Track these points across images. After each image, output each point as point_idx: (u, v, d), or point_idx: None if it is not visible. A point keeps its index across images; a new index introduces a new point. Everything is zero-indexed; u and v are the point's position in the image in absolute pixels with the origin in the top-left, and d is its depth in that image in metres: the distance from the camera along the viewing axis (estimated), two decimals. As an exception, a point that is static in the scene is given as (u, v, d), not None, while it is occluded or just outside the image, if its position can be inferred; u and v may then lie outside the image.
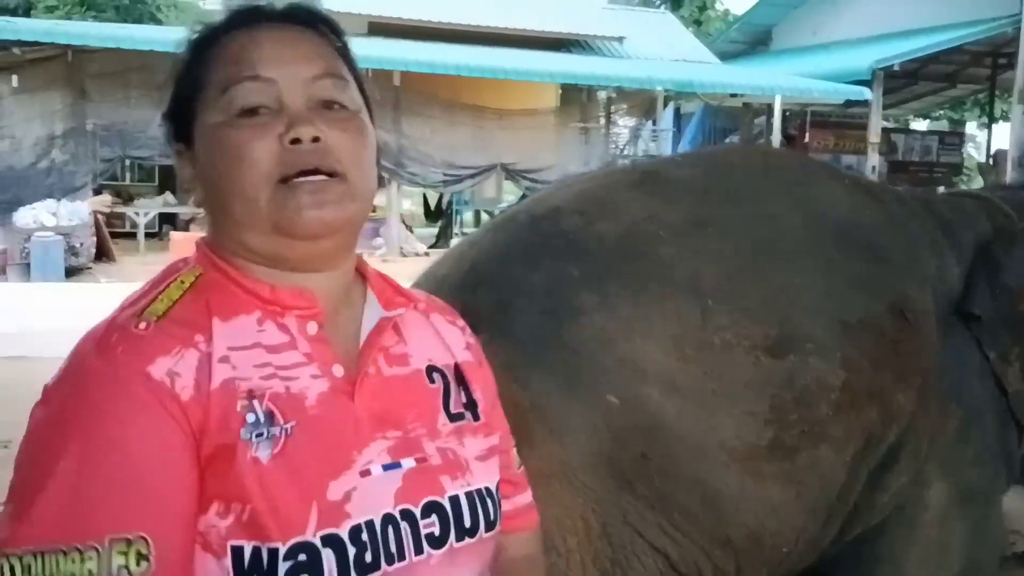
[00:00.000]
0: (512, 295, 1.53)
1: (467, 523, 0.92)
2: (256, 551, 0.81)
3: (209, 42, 0.94)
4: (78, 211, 11.59)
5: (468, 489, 0.93)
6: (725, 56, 19.67)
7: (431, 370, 0.99)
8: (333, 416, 0.88)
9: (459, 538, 0.91)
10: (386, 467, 0.89)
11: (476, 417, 1.00)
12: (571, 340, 1.49)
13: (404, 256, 12.70)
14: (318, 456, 0.85)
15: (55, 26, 13.20)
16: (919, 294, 1.73)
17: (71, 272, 11.12)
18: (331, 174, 0.89)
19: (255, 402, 0.85)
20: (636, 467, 1.49)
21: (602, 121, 15.94)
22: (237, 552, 0.81)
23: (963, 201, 2.06)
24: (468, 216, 16.61)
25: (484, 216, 19.89)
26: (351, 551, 0.83)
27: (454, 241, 13.74)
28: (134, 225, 13.34)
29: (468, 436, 0.97)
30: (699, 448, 1.49)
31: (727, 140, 19.57)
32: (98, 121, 12.20)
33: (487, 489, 0.95)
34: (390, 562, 0.85)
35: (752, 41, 21.22)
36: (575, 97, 15.15)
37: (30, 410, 0.85)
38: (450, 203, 15.46)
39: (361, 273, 1.01)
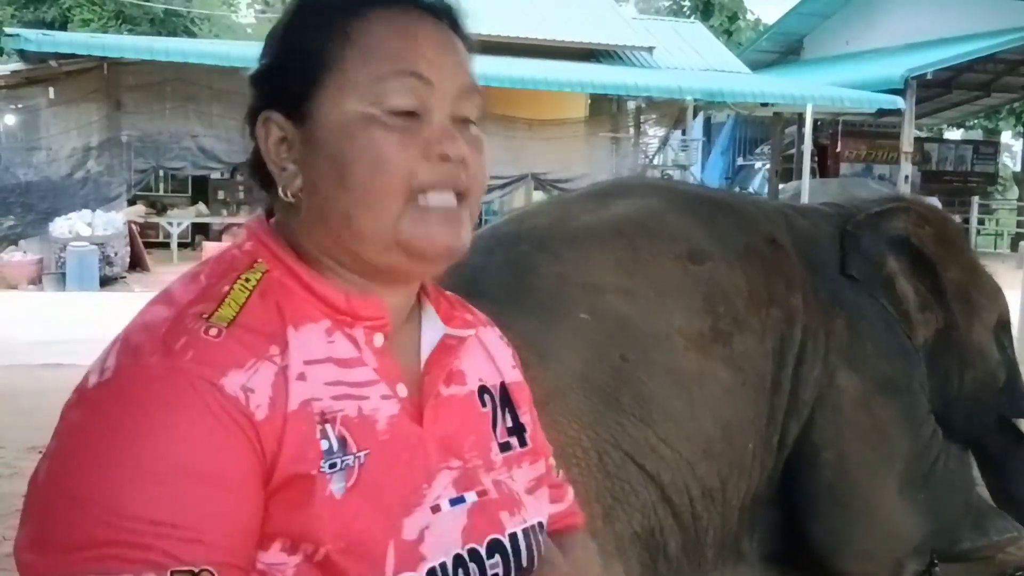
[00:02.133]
0: (478, 274, 1.79)
1: (525, 562, 0.85)
2: None
3: (352, 11, 0.82)
4: (113, 221, 11.72)
5: (524, 526, 0.86)
6: (756, 66, 19.58)
7: (482, 391, 0.91)
8: (404, 443, 0.80)
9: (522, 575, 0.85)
10: (452, 502, 0.81)
11: (523, 443, 0.92)
12: (537, 287, 1.86)
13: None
14: (393, 489, 0.77)
15: (91, 39, 13.39)
16: (781, 233, 2.16)
17: (105, 281, 11.25)
18: (461, 195, 0.83)
19: (328, 427, 0.76)
20: (618, 374, 1.78)
21: (632, 131, 15.92)
22: None
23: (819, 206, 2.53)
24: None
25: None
26: None
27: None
28: (167, 235, 13.48)
29: (516, 467, 0.90)
30: (662, 336, 1.85)
31: (757, 150, 19.51)
32: (133, 132, 12.37)
33: (540, 524, 0.89)
34: None
35: (783, 51, 21.11)
36: (605, 107, 15.15)
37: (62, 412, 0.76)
38: (480, 214, 15.48)
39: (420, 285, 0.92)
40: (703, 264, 1.97)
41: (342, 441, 0.76)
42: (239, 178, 15.82)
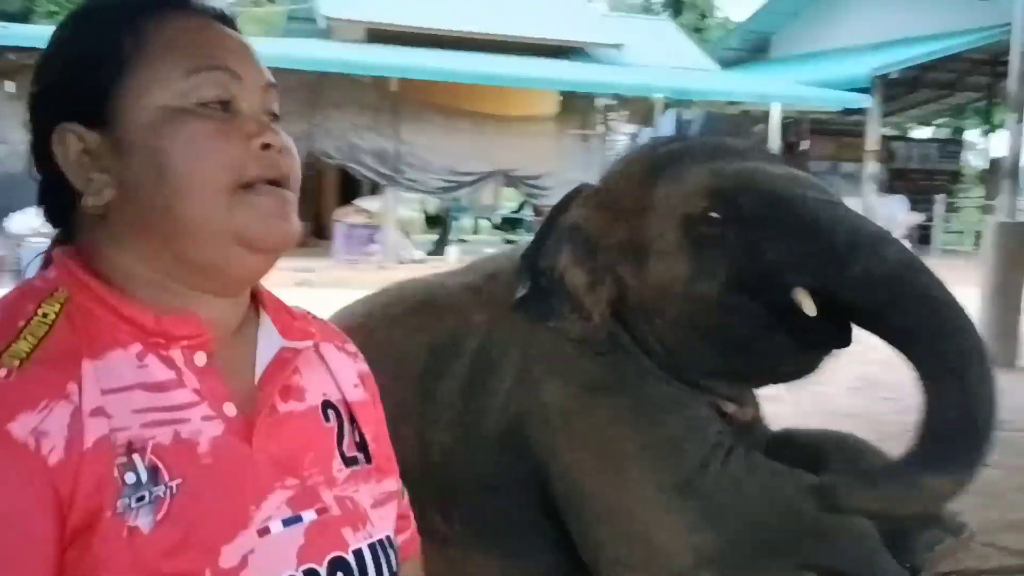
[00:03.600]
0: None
1: None
2: None
3: (139, 14, 0.81)
4: (74, 217, 11.54)
5: (370, 541, 0.84)
6: (726, 63, 19.66)
7: (326, 406, 0.88)
8: (228, 465, 0.76)
9: None
10: (286, 522, 0.78)
11: (368, 459, 0.89)
12: None
13: (401, 263, 12.65)
14: (210, 516, 0.73)
15: (49, 32, 13.16)
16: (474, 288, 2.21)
17: (66, 278, 11.08)
18: (285, 183, 0.82)
19: (136, 457, 0.71)
20: None
21: (601, 128, 15.92)
22: None
23: None
24: (467, 223, 16.57)
25: (482, 223, 19.92)
26: None
27: (451, 248, 13.75)
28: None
29: (362, 482, 0.87)
30: None
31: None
32: (94, 127, 12.17)
33: (388, 539, 0.86)
34: None
35: (752, 48, 21.21)
36: (574, 104, 15.13)
37: None
38: (448, 210, 15.42)
39: (254, 294, 0.89)
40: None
41: (152, 471, 0.72)
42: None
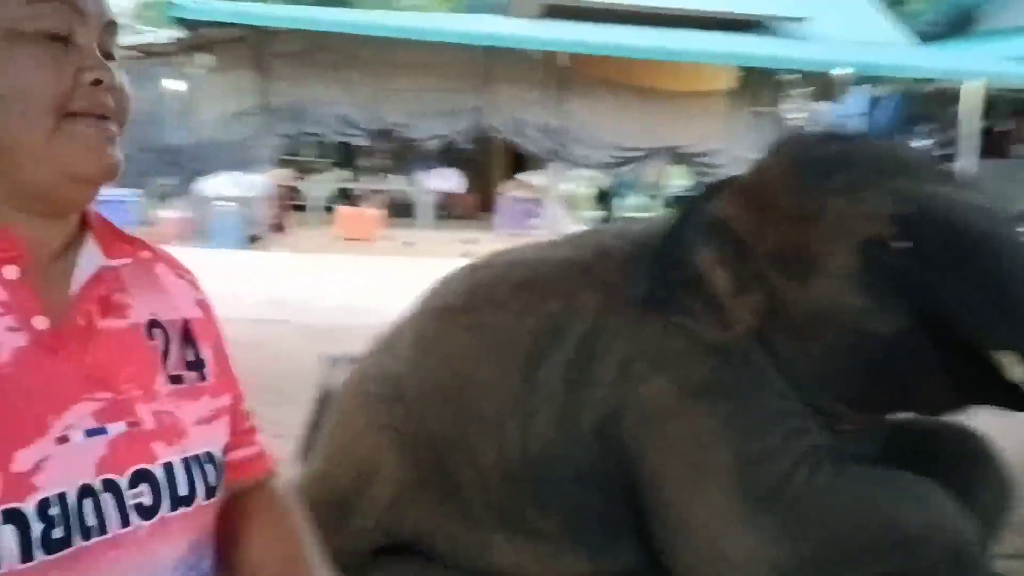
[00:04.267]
0: None
1: (182, 491, 0.87)
2: None
3: None
4: (257, 183, 12.31)
5: (185, 455, 0.88)
6: (926, 38, 18.33)
7: (152, 325, 0.93)
8: (29, 375, 0.80)
9: (173, 507, 0.86)
10: (90, 432, 0.82)
11: (203, 377, 0.94)
12: None
13: (562, 238, 12.68)
14: (5, 422, 0.77)
15: (241, 8, 13.96)
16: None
17: (248, 240, 11.86)
18: (111, 119, 0.87)
19: None
20: None
21: (781, 105, 15.26)
22: None
23: None
24: (634, 201, 16.39)
25: (651, 201, 19.60)
26: (36, 527, 0.76)
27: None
28: (310, 199, 14.01)
29: (190, 399, 0.92)
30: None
31: (921, 129, 18.31)
32: (280, 99, 12.88)
33: (207, 454, 0.90)
34: (87, 536, 0.79)
35: (955, 22, 19.68)
36: (753, 80, 14.56)
37: None
38: (612, 187, 15.30)
39: (84, 219, 0.94)
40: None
41: None
42: (383, 145, 16.29)
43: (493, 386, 1.89)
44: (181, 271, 1.02)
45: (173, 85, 13.05)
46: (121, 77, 0.87)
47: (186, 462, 0.88)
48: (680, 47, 13.22)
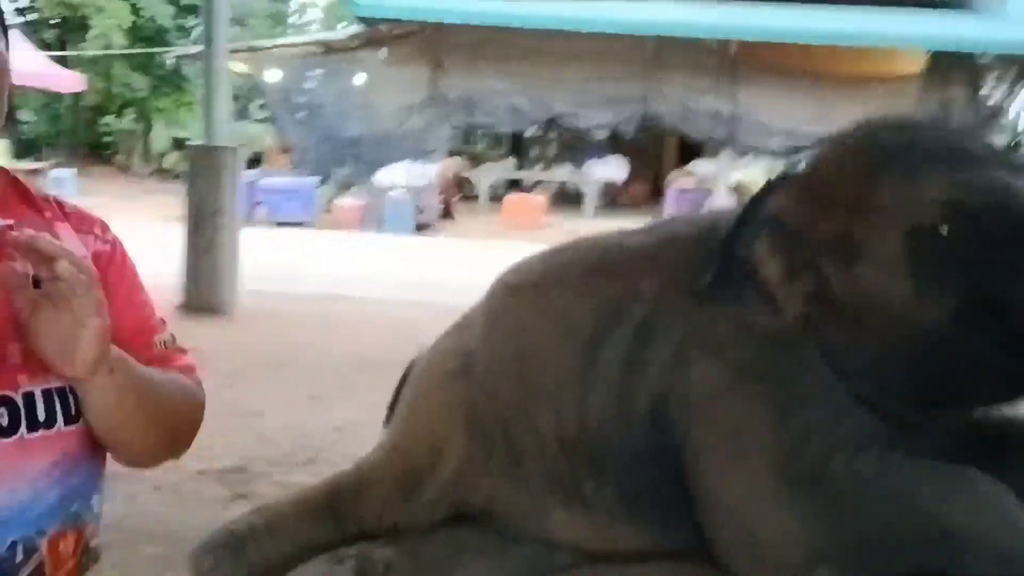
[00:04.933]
0: None
1: (41, 417, 0.98)
2: None
3: None
4: (427, 173, 12.75)
5: (47, 387, 0.98)
6: None
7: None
8: None
9: (32, 429, 0.97)
10: None
11: None
12: None
13: (731, 229, 12.39)
14: None
15: (416, 4, 14.43)
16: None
17: (418, 227, 12.31)
18: None
19: None
20: None
21: (980, 90, 14.27)
22: None
23: None
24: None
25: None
26: None
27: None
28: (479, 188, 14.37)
29: None
30: None
31: None
32: (452, 91, 13.28)
33: (70, 388, 1.00)
34: None
35: None
36: (944, 62, 13.69)
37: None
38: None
39: None
40: None
41: None
42: (551, 135, 16.45)
43: (555, 362, 1.92)
44: (85, 228, 1.11)
45: (353, 79, 13.71)
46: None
47: (47, 392, 0.98)
48: (863, 30, 12.57)
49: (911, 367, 1.66)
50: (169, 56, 18.46)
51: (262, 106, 17.34)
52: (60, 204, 1.12)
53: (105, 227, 1.14)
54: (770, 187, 1.85)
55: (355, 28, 14.11)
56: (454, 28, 12.92)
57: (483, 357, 2.04)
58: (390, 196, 12.29)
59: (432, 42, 13.14)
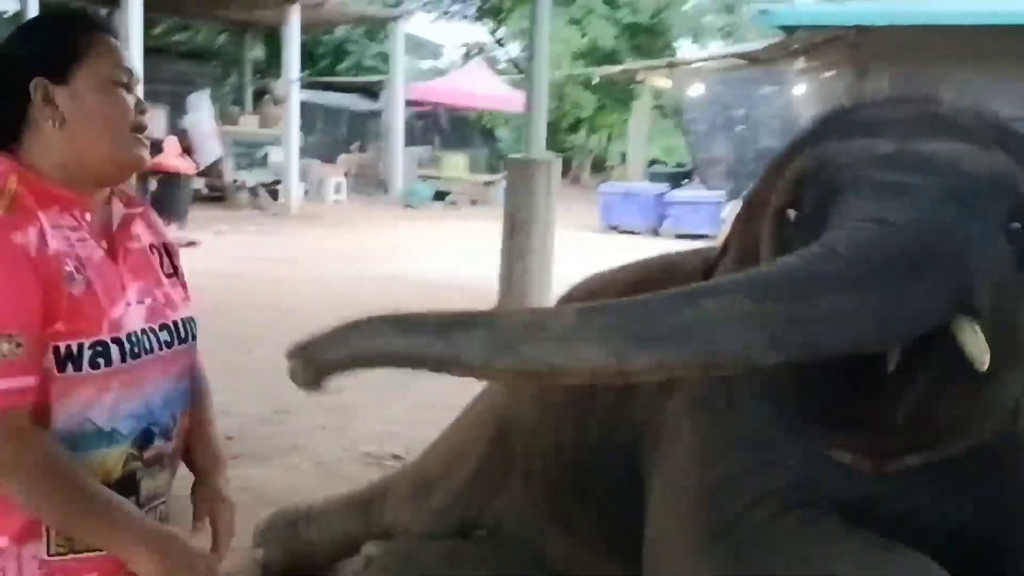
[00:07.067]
0: None
1: (182, 335, 1.50)
2: (69, 346, 1.32)
3: (80, 30, 1.44)
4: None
5: (181, 317, 1.51)
6: None
7: (152, 247, 1.53)
8: (108, 271, 1.41)
9: (181, 343, 1.50)
10: (139, 301, 1.44)
11: (179, 276, 1.57)
12: None
13: None
14: (105, 292, 1.38)
15: (838, 9, 13.67)
16: None
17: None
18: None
19: (70, 260, 1.34)
20: None
21: None
22: (57, 348, 1.31)
23: None
24: None
25: None
26: (126, 346, 1.39)
27: None
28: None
29: (175, 287, 1.54)
30: None
31: None
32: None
33: (191, 318, 1.54)
34: (147, 353, 1.43)
35: None
36: None
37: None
38: None
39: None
40: None
41: (77, 268, 1.35)
42: None
43: (564, 386, 1.97)
44: (154, 219, 1.59)
45: (770, 91, 13.51)
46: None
47: (184, 320, 1.51)
48: None
49: (808, 382, 1.46)
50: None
51: (686, 121, 17.80)
52: (137, 200, 1.61)
53: (156, 218, 1.64)
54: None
55: (774, 38, 13.87)
56: (880, 31, 12.11)
57: None
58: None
59: (856, 48, 12.45)
